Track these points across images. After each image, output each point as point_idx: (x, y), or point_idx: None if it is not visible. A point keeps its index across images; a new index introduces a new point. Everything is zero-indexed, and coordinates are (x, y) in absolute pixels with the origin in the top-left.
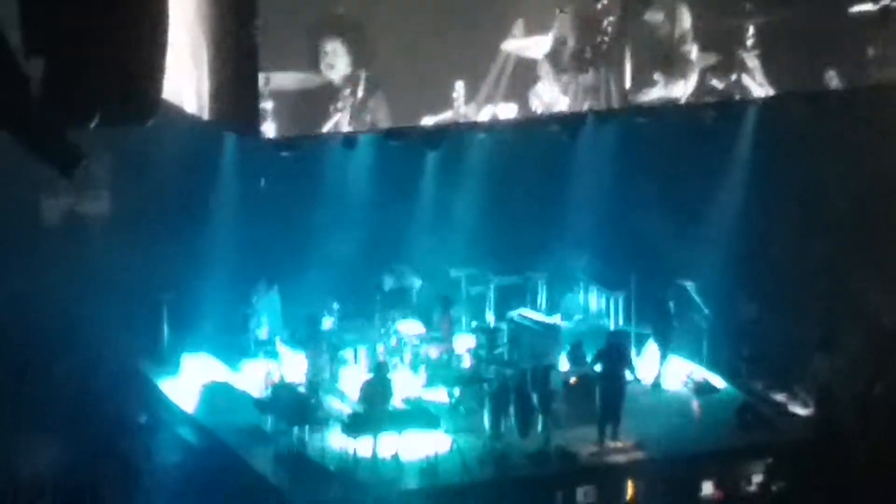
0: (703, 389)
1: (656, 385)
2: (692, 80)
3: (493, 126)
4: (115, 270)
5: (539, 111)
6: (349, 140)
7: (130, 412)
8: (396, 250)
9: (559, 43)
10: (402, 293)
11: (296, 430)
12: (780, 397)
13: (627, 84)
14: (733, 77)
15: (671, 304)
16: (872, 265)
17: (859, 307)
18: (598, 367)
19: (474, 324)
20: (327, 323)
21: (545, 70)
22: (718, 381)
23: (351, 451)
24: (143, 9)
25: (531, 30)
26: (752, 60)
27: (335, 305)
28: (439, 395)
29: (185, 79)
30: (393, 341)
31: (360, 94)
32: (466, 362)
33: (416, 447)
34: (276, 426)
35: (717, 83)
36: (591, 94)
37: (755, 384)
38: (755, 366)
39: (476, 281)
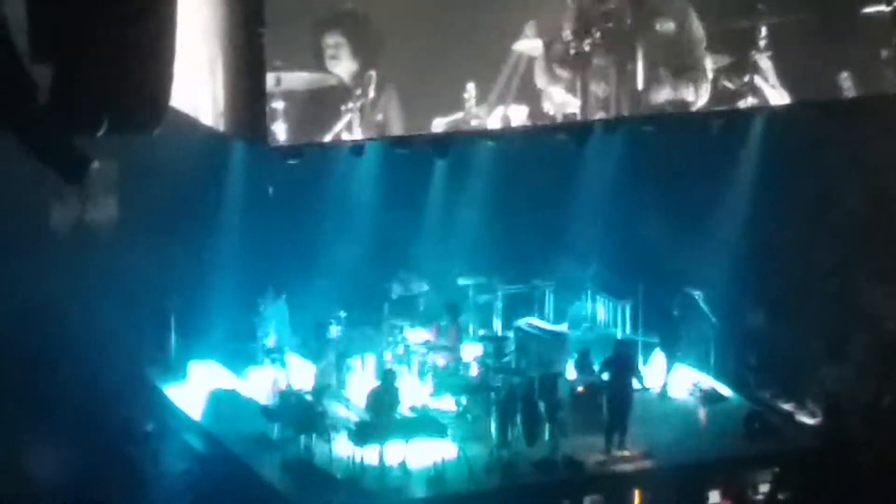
0: (710, 398)
1: (663, 394)
2: (704, 83)
3: (501, 134)
4: (123, 277)
5: (551, 112)
6: (357, 147)
7: (137, 419)
8: (404, 258)
9: (563, 42)
10: (409, 301)
11: (302, 437)
12: (787, 406)
13: (639, 86)
14: (746, 78)
15: (678, 313)
16: (881, 273)
17: (868, 316)
18: (605, 376)
19: (482, 332)
20: (334, 331)
21: (550, 72)
22: (725, 390)
23: (358, 459)
24: (150, 16)
25: (543, 31)
26: (764, 62)
27: (342, 313)
28: (446, 404)
29: (193, 85)
30: (400, 349)
31: (370, 93)
32: (474, 371)
33: (423, 455)
34: (282, 434)
35: (729, 85)
36: (602, 96)
37: (762, 393)
38: (762, 375)
39: (483, 289)
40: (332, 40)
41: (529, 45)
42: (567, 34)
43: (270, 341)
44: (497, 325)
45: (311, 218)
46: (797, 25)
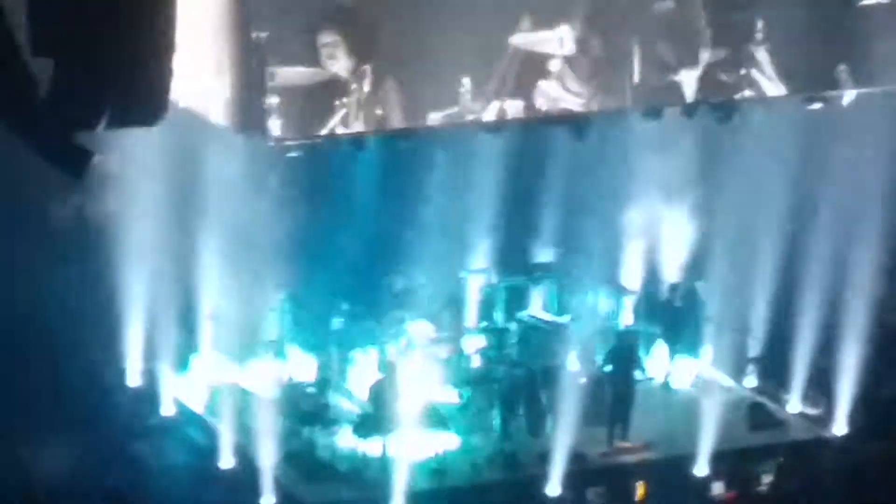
0: (712, 389)
1: (666, 385)
2: (701, 75)
3: (502, 125)
4: (126, 271)
5: (544, 108)
6: (357, 140)
7: (140, 413)
8: (406, 251)
9: (570, 38)
10: (411, 294)
11: (305, 430)
12: (790, 397)
13: (636, 78)
14: (742, 71)
15: (680, 304)
16: (883, 264)
17: (870, 306)
18: (607, 368)
19: (484, 324)
20: (337, 323)
21: (555, 66)
22: (728, 381)
23: (360, 452)
24: (151, 10)
25: (539, 24)
26: (761, 54)
27: (344, 306)
28: (449, 396)
29: (193, 79)
30: (402, 342)
31: (366, 87)
32: (476, 363)
33: (426, 447)
34: (285, 427)
35: (725, 78)
36: (600, 90)
37: (765, 384)
38: (765, 365)
39: (485, 281)
40: (328, 39)
41: (525, 38)
42: (563, 27)
43: (272, 334)
44: (499, 316)
45: (312, 210)
46: (794, 18)
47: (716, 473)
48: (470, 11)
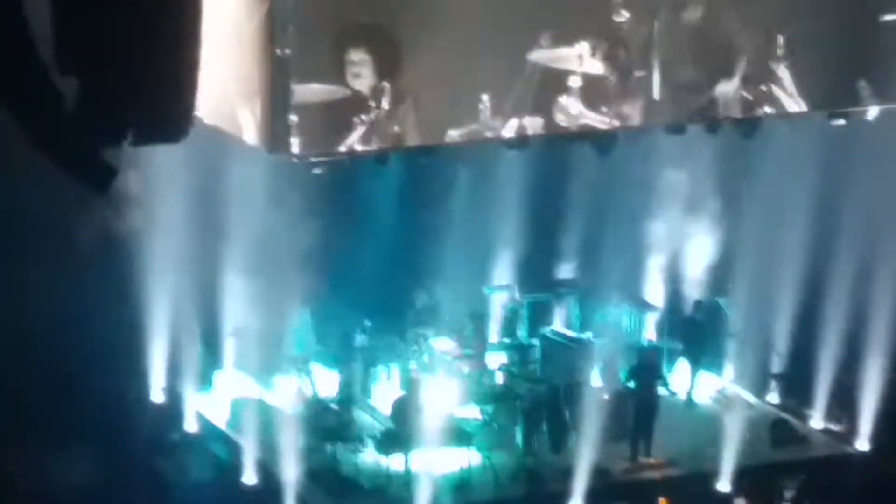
0: (735, 405)
1: (689, 401)
2: (722, 92)
3: (526, 141)
4: (150, 287)
5: (564, 125)
6: (381, 157)
7: (163, 429)
8: (429, 267)
9: (590, 55)
10: (434, 310)
11: (328, 446)
12: (813, 413)
13: (656, 96)
14: (763, 88)
15: (703, 320)
16: None
17: (894, 322)
18: (630, 384)
19: (506, 340)
20: (360, 340)
21: (574, 82)
22: (750, 397)
23: (383, 468)
24: (176, 26)
25: (558, 41)
26: (782, 71)
27: (367, 322)
28: (471, 412)
29: (217, 95)
30: (425, 358)
31: (385, 105)
32: (499, 379)
33: (449, 464)
34: (308, 443)
35: (746, 94)
36: (620, 107)
37: (788, 400)
38: (788, 381)
39: (508, 297)
40: (357, 57)
41: (544, 55)
42: (583, 44)
43: (296, 350)
44: (522, 333)
45: (336, 227)
46: (815, 34)
47: (738, 490)
48: (489, 28)
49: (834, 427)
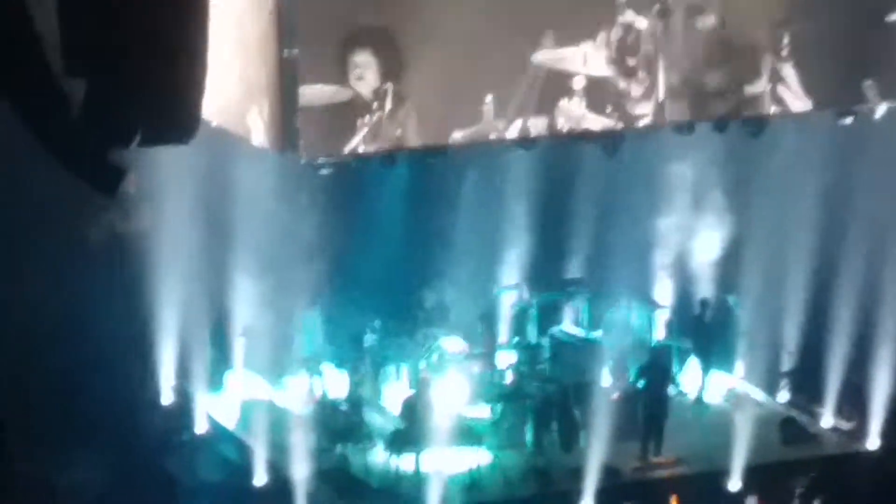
0: (745, 404)
1: (698, 400)
2: (727, 93)
3: (534, 141)
4: (159, 288)
5: (567, 127)
6: (389, 157)
7: (173, 430)
8: (438, 267)
9: (594, 56)
10: (443, 310)
11: (338, 447)
12: (823, 411)
13: (660, 97)
14: (768, 87)
15: (713, 319)
16: None
17: None
18: (640, 383)
19: (516, 340)
20: (369, 340)
21: (578, 83)
22: (760, 396)
23: (393, 468)
24: (183, 28)
25: (562, 41)
26: (787, 70)
27: (377, 322)
28: (481, 412)
29: (224, 97)
30: (435, 358)
31: (388, 107)
32: (508, 378)
33: (459, 463)
34: (318, 443)
35: (751, 94)
36: (624, 108)
37: (798, 398)
38: (797, 380)
39: (517, 297)
40: (360, 59)
41: (548, 56)
42: (587, 45)
43: (305, 351)
44: (531, 332)
45: (345, 228)
46: (821, 33)
47: (748, 488)
48: (492, 29)
49: (844, 425)
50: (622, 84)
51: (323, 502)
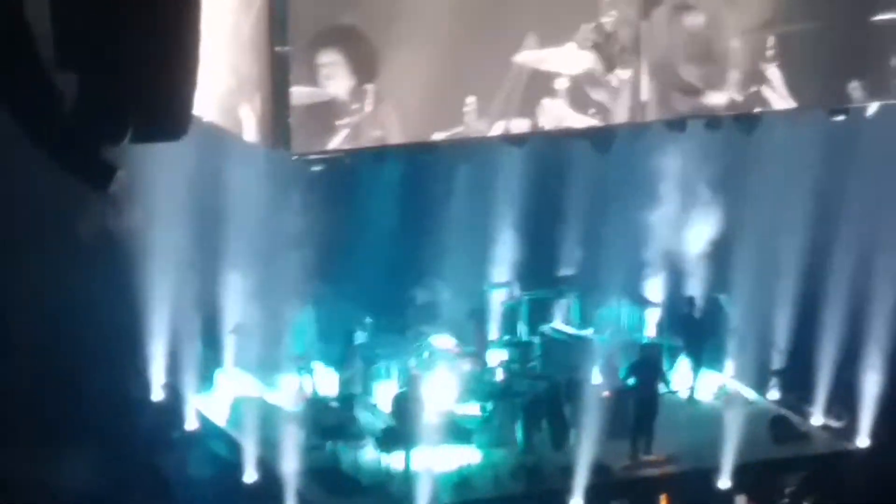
0: (735, 402)
1: (689, 398)
2: (711, 93)
3: (524, 139)
4: (149, 285)
5: (549, 127)
6: (380, 154)
7: (164, 427)
8: (428, 265)
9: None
10: (434, 307)
11: (329, 444)
12: (813, 409)
13: (644, 97)
14: (753, 89)
15: (703, 317)
16: None
17: (895, 318)
18: (630, 381)
19: (506, 337)
20: (360, 337)
21: (561, 84)
22: (751, 394)
23: (384, 466)
24: (175, 24)
25: (545, 42)
26: (772, 72)
27: (368, 320)
28: (471, 409)
29: (217, 94)
30: (425, 355)
31: (367, 108)
32: (499, 376)
33: (449, 461)
34: (309, 441)
35: (736, 95)
36: (608, 109)
37: (788, 396)
38: (788, 378)
39: (508, 294)
40: (326, 59)
41: (531, 56)
42: (571, 45)
43: (296, 348)
44: (522, 330)
45: (336, 225)
46: (807, 34)
47: (739, 486)
48: (474, 29)
49: (834, 423)
50: (605, 84)
51: (313, 499)
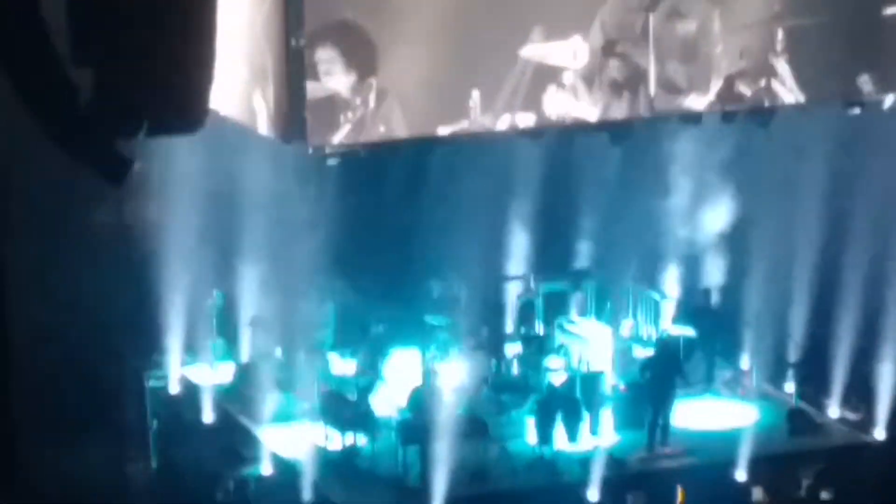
0: (752, 395)
1: (705, 390)
2: (720, 86)
3: (542, 132)
4: (164, 278)
5: (558, 119)
6: (395, 147)
7: (180, 419)
8: (445, 257)
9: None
10: (450, 300)
11: (345, 437)
12: (830, 402)
13: (652, 91)
14: (762, 83)
15: (719, 309)
16: None
17: None
18: (647, 373)
19: (522, 330)
20: (376, 330)
21: (568, 78)
22: (768, 387)
23: (400, 458)
24: (191, 18)
25: (550, 36)
26: (781, 65)
27: (384, 312)
28: (487, 402)
29: (232, 87)
30: (441, 348)
31: (370, 103)
32: (514, 369)
33: (465, 454)
34: (325, 433)
35: (745, 89)
36: (615, 103)
37: (805, 389)
38: (805, 370)
39: (524, 287)
40: (325, 55)
41: (537, 50)
42: (577, 39)
43: (313, 341)
44: (538, 323)
45: (351, 217)
46: (815, 28)
47: (755, 479)
48: (479, 23)
49: (851, 416)
50: (612, 77)
51: (329, 492)
